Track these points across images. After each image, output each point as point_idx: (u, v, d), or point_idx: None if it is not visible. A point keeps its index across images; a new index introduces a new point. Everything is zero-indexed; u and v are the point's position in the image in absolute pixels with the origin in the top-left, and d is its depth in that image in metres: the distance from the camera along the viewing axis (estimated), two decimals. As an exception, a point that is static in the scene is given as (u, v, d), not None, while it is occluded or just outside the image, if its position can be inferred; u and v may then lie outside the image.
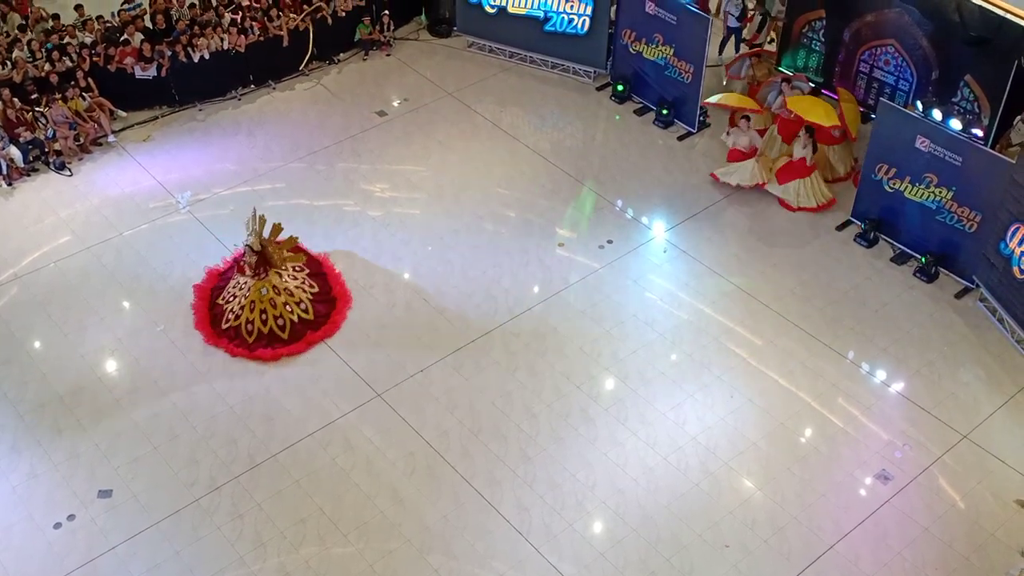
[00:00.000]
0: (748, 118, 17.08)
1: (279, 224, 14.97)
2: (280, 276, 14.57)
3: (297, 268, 14.98)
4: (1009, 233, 14.29)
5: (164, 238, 16.21)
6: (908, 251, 15.84)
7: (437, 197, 17.16)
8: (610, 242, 16.22)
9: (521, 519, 12.17)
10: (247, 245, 14.44)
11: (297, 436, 13.16)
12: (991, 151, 14.82)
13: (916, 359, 14.29)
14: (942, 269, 15.50)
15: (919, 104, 15.37)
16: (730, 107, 17.49)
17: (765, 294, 15.18)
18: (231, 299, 14.59)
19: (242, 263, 14.66)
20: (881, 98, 16.59)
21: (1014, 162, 14.24)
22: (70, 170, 17.52)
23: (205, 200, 16.97)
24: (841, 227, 16.42)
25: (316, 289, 14.93)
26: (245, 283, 14.50)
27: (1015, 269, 14.25)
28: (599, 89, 19.61)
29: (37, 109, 17.70)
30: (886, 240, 16.09)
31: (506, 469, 12.74)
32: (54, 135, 17.49)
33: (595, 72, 19.78)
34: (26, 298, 15.13)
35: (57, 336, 14.53)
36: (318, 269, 15.42)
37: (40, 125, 17.55)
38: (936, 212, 15.32)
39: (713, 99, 17.58)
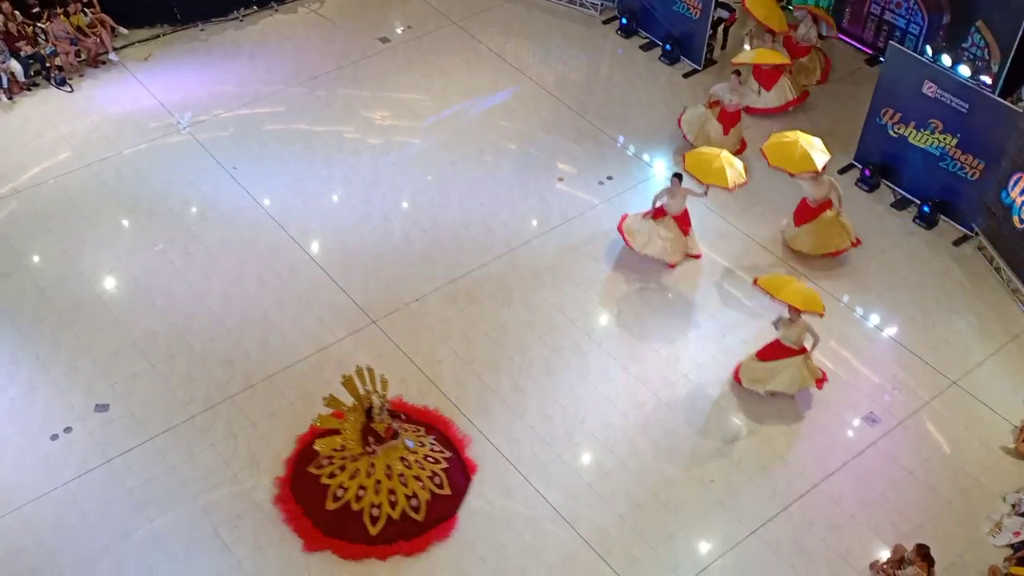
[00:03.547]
0: (739, 72, 16.05)
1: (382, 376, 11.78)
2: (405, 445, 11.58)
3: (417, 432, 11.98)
4: (1012, 182, 14.25)
5: (164, 158, 16.17)
6: (909, 197, 15.81)
7: (438, 126, 17.06)
8: (610, 178, 16.18)
9: (511, 449, 12.32)
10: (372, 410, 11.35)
11: (292, 359, 13.26)
12: (998, 99, 14.71)
13: (911, 305, 14.36)
14: (942, 216, 15.48)
15: (928, 49, 15.20)
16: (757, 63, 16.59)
17: (763, 236, 15.18)
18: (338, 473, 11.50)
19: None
20: (891, 41, 16.40)
21: (1021, 111, 14.14)
22: (71, 86, 17.40)
23: (205, 121, 16.89)
24: (843, 171, 16.36)
25: (445, 454, 11.93)
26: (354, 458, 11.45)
27: (1015, 219, 14.25)
28: (605, 23, 19.38)
29: (39, 24, 17.50)
30: (887, 185, 16.05)
31: (498, 399, 12.87)
32: (54, 52, 17.32)
33: (602, 5, 19.54)
34: (26, 213, 15.15)
35: (56, 252, 14.58)
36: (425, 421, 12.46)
37: (40, 41, 17.38)
38: (939, 159, 15.26)
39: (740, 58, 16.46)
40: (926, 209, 15.41)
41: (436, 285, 14.32)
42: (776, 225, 15.32)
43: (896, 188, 15.97)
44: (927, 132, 15.26)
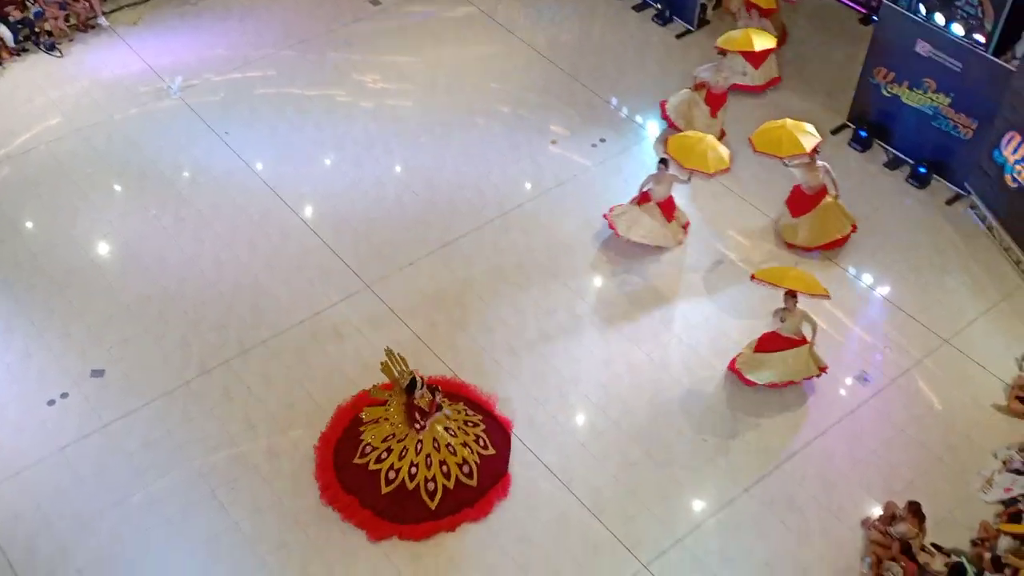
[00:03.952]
0: (724, 52, 15.56)
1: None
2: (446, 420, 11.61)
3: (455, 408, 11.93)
4: (1004, 141, 14.24)
5: (155, 123, 16.09)
6: (902, 156, 15.79)
7: (430, 90, 16.97)
8: (603, 140, 16.14)
9: (505, 409, 12.37)
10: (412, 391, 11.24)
11: (286, 324, 13.29)
12: (992, 57, 14.65)
13: (903, 264, 14.39)
14: (934, 175, 15.48)
15: (922, 7, 15.12)
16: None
17: (756, 197, 15.16)
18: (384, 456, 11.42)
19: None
20: (884, 0, 16.29)
21: (1014, 69, 14.10)
22: (60, 51, 17.27)
23: (196, 86, 16.79)
24: (836, 131, 16.33)
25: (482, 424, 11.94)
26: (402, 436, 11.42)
27: (1007, 177, 14.25)
28: (598, -17, 19.25)
29: (27, -11, 17.39)
30: (880, 145, 16.03)
31: (492, 361, 12.91)
32: (41, 13, 17.18)
33: (595, -34, 19.37)
34: (17, 179, 15.10)
35: (48, 218, 14.54)
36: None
37: (28, 5, 17.24)
38: (932, 118, 15.23)
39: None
40: (920, 169, 15.41)
41: (429, 248, 14.32)
42: (769, 187, 15.17)
43: (889, 148, 15.95)
44: (920, 91, 15.22)
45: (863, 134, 15.93)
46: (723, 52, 15.58)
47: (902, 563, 10.74)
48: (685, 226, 14.59)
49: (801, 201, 14.20)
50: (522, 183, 15.41)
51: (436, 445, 11.32)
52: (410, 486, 11.16)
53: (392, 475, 11.20)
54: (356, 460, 11.40)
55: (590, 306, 13.67)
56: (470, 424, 11.76)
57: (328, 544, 11.10)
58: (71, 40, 17.50)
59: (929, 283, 14.16)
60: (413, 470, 11.17)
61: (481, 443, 11.62)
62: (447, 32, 18.10)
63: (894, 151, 15.89)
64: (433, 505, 11.15)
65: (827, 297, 12.32)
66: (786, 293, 12.18)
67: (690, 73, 16.31)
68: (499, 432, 11.97)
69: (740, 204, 15.12)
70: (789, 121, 13.95)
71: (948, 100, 14.96)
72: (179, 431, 12.07)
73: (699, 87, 15.78)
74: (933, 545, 11.03)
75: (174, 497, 11.44)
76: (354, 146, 15.86)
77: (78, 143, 15.66)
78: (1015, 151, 14.07)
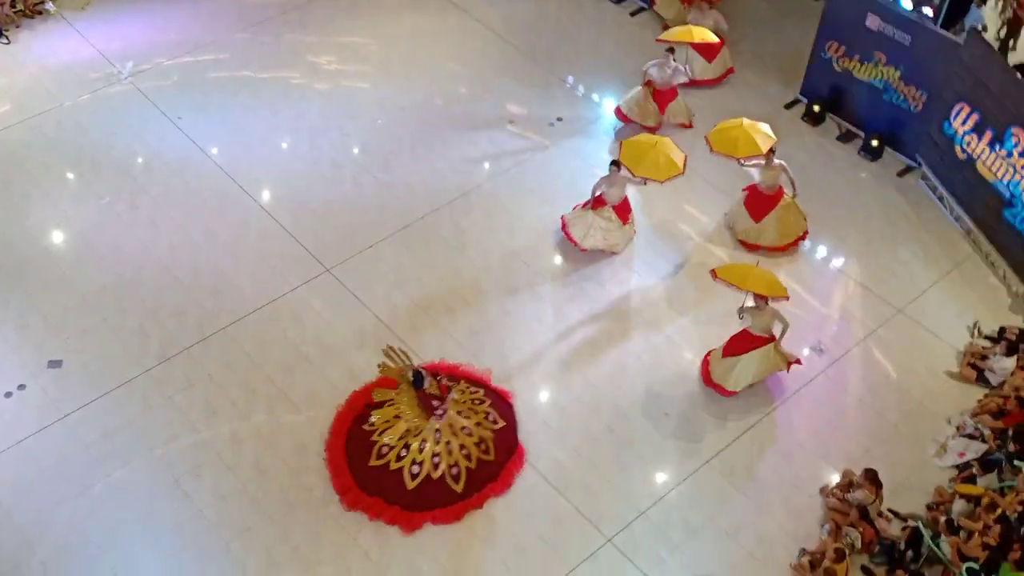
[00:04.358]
0: (672, 49, 15.50)
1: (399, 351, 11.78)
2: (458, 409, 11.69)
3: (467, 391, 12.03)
4: (953, 113, 14.46)
5: (106, 109, 15.89)
6: (854, 130, 16.00)
7: (386, 71, 16.91)
8: (560, 119, 16.17)
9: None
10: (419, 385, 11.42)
11: (246, 310, 13.22)
12: (940, 31, 14.86)
13: (856, 236, 14.60)
14: (886, 148, 15.70)
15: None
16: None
17: (713, 173, 15.28)
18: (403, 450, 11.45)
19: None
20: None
21: (962, 42, 14.31)
22: (7, 37, 16.98)
23: (148, 71, 16.59)
24: (789, 105, 16.50)
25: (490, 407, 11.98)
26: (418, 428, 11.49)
27: (957, 148, 14.49)
28: (552, -38, 19.22)
29: (-30, -26, 17.05)
30: (833, 119, 16.21)
31: (454, 342, 12.95)
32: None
33: (548, -56, 19.32)
34: (-35, 170, 14.88)
35: (0, 207, 14.33)
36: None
37: (-28, -9, 16.95)
38: (883, 91, 15.44)
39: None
40: (872, 142, 15.62)
41: (389, 231, 14.30)
42: (725, 163, 15.09)
43: (841, 121, 16.14)
44: (871, 65, 15.41)
45: (815, 108, 16.11)
46: (672, 49, 15.49)
47: (860, 529, 10.97)
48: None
49: (760, 202, 14.05)
50: (481, 164, 15.42)
51: (453, 430, 11.41)
52: (435, 475, 11.25)
53: (416, 469, 11.25)
54: (373, 462, 11.38)
55: (551, 284, 13.74)
56: (477, 402, 11.87)
57: (294, 527, 11.12)
58: (18, 26, 17.20)
59: (882, 254, 14.39)
60: (436, 459, 11.28)
61: (491, 419, 11.77)
62: (403, 12, 18.01)
63: (847, 124, 16.09)
64: (459, 488, 11.27)
65: (785, 299, 12.16)
66: (755, 295, 12.05)
67: (645, 51, 16.38)
68: (503, 404, 12.13)
69: (696, 202, 14.96)
70: (746, 121, 13.90)
71: (898, 73, 15.16)
72: (139, 420, 12.00)
73: (647, 84, 15.69)
74: (890, 511, 11.27)
75: (137, 487, 11.38)
76: (310, 129, 15.77)
77: (28, 131, 15.43)
78: (964, 122, 14.30)
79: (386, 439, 11.46)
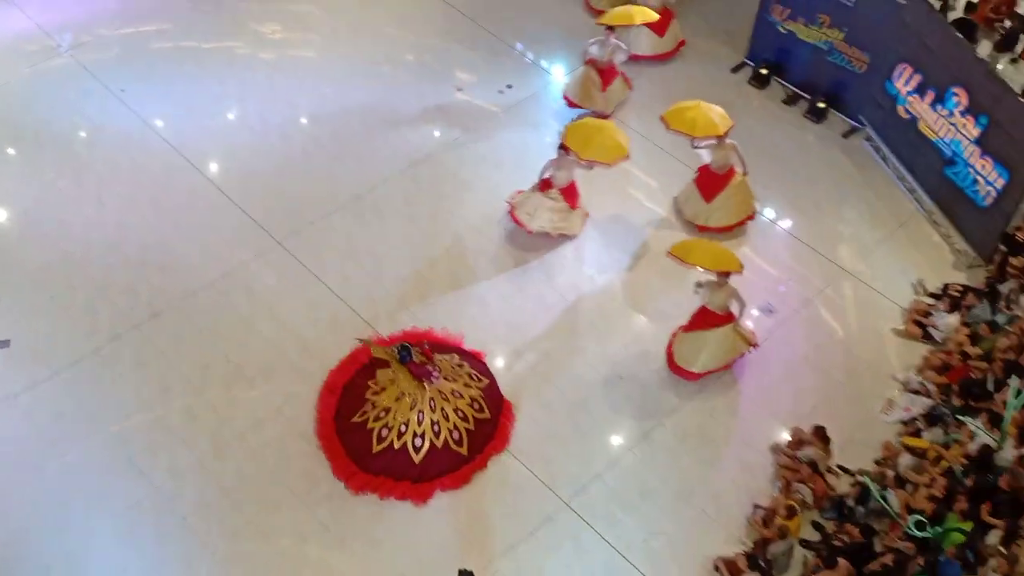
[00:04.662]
0: (612, 28, 15.16)
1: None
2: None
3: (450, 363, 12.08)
4: (896, 74, 14.66)
5: (47, 84, 15.57)
6: (799, 92, 16.16)
7: (332, 39, 16.73)
8: (510, 87, 16.13)
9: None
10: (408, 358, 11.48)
11: (197, 285, 13.11)
12: (882, -9, 15.02)
13: (803, 198, 14.80)
14: (831, 109, 15.88)
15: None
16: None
17: (661, 138, 15.27)
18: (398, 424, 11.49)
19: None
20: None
21: (904, 3, 14.47)
22: (-62, 11, 16.55)
23: (88, 43, 16.27)
24: (736, 69, 16.61)
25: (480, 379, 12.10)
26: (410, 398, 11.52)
27: (900, 109, 14.71)
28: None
29: None
30: (778, 81, 16.36)
31: (408, 313, 12.96)
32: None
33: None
34: (-99, 148, 14.51)
35: (-62, 187, 14.06)
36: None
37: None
38: (828, 53, 15.59)
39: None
40: (818, 104, 15.78)
41: (340, 202, 14.22)
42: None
43: (787, 84, 16.29)
44: (815, 27, 15.54)
45: (762, 71, 16.23)
46: (611, 28, 15.15)
47: (810, 485, 11.23)
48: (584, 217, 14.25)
49: (711, 182, 13.95)
50: (431, 132, 15.35)
51: (444, 396, 11.50)
52: (439, 443, 11.34)
53: (419, 442, 11.32)
54: (376, 448, 11.35)
55: (502, 250, 13.76)
56: (458, 365, 11.95)
57: (251, 500, 11.13)
58: (-51, -1, 16.77)
59: (828, 215, 14.61)
60: (436, 428, 11.36)
61: (475, 378, 11.91)
62: (347, -22, 17.81)
63: (792, 87, 16.24)
64: (464, 450, 11.41)
65: (739, 272, 12.06)
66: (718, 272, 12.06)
67: (592, 17, 16.35)
68: (479, 364, 12.27)
69: (645, 184, 14.92)
70: (703, 103, 13.74)
71: (842, 35, 15.31)
72: (92, 399, 11.89)
73: (589, 63, 15.49)
74: (839, 467, 11.55)
75: (91, 467, 11.29)
76: (257, 99, 15.59)
77: (-35, 107, 15.11)
78: (907, 83, 14.51)
79: (389, 419, 11.40)
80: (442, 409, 11.45)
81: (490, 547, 10.90)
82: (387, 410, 11.50)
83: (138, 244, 13.51)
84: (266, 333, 12.65)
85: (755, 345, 12.53)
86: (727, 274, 12.06)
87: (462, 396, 11.63)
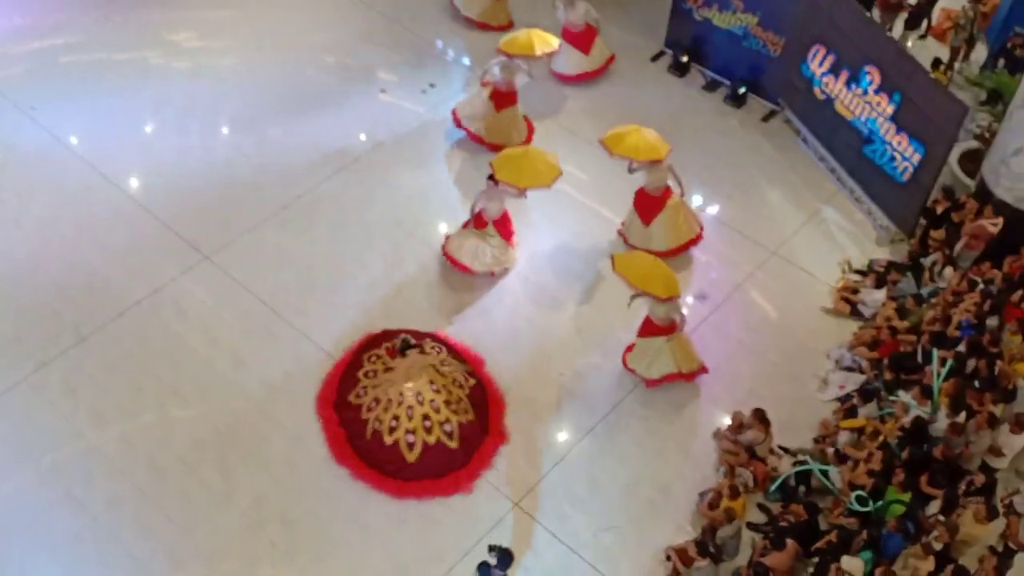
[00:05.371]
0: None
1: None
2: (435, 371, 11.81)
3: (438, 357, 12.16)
4: (810, 55, 14.93)
5: (-49, 106, 15.03)
6: (718, 78, 16.36)
7: (249, 45, 16.48)
8: (432, 86, 16.04)
9: (363, 367, 12.35)
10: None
11: (124, 305, 12.80)
12: (792, -25, 15.27)
13: (727, 183, 15.01)
14: (750, 94, 16.12)
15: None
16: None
17: (587, 128, 15.37)
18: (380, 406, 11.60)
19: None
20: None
21: (814, -15, 14.75)
22: None
23: (-7, 60, 15.75)
24: (655, 58, 16.74)
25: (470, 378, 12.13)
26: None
27: (816, 90, 14.98)
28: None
29: None
30: (697, 68, 16.54)
31: (344, 321, 12.82)
32: None
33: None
34: None
35: None
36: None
37: None
38: (743, 38, 15.81)
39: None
40: (738, 90, 15.99)
41: (268, 212, 13.99)
42: (600, 118, 15.28)
43: (706, 71, 16.49)
44: (729, 13, 15.74)
45: (683, 59, 16.37)
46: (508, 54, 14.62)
47: (751, 468, 11.42)
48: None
49: (648, 204, 13.64)
50: (356, 136, 15.19)
51: (436, 388, 11.52)
52: (431, 440, 11.33)
53: (411, 439, 11.32)
54: (389, 439, 11.37)
55: (437, 253, 13.68)
56: (445, 364, 11.95)
57: (196, 524, 10.93)
58: None
59: (752, 198, 14.84)
60: (427, 423, 11.36)
61: (467, 369, 12.08)
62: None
63: (711, 74, 16.44)
64: (455, 444, 11.39)
65: (674, 298, 12.10)
66: None
67: (516, 10, 16.32)
68: (465, 355, 12.37)
69: (580, 204, 14.69)
70: (640, 127, 13.57)
71: (756, 19, 15.54)
72: (21, 431, 11.52)
73: (485, 85, 14.90)
74: (780, 447, 11.77)
75: (27, 500, 10.97)
76: (175, 111, 15.25)
77: None
78: (821, 64, 14.79)
79: (392, 412, 11.45)
80: (432, 401, 11.39)
81: (446, 555, 10.87)
82: (378, 400, 11.52)
83: (60, 266, 13.13)
84: (200, 351, 12.41)
85: (705, 369, 12.48)
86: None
87: (452, 391, 11.60)
